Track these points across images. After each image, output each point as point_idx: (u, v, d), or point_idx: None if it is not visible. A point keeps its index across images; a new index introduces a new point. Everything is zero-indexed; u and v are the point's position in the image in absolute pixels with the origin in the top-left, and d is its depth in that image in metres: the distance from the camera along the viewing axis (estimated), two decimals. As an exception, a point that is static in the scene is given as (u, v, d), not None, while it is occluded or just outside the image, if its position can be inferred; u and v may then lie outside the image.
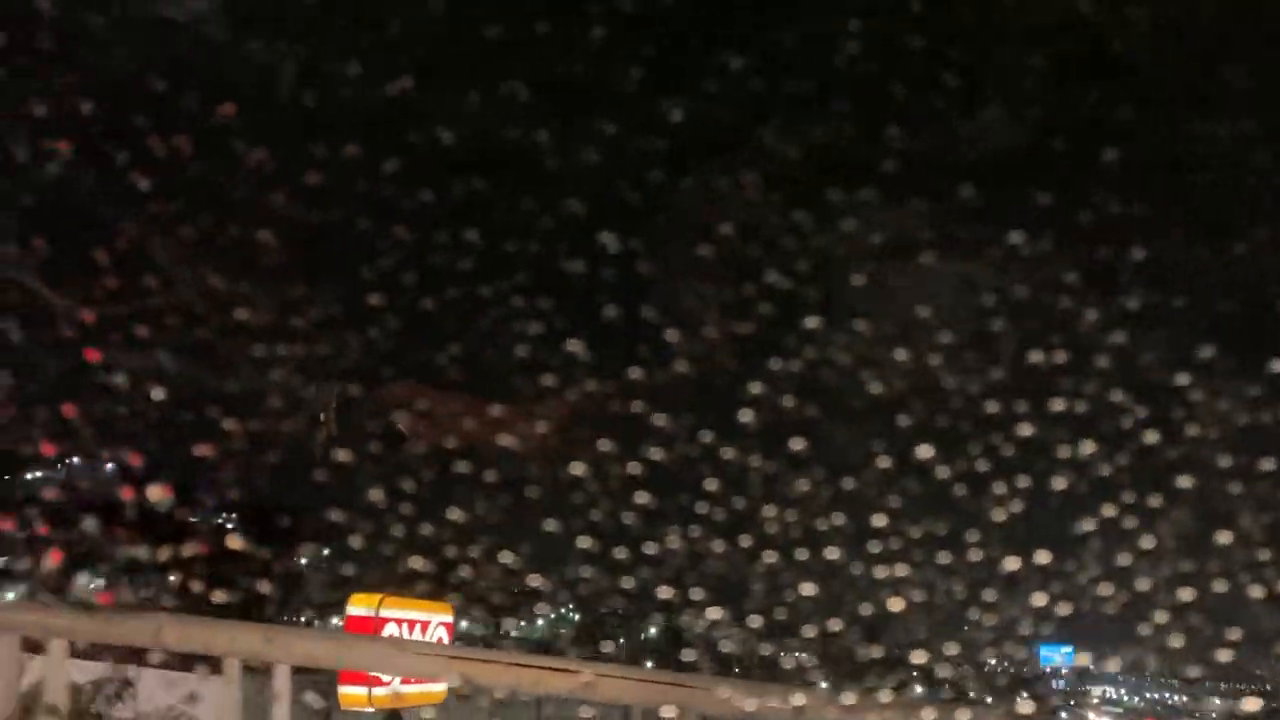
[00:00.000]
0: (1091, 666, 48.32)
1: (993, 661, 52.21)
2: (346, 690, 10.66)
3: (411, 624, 11.58)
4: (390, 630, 11.17)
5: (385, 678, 11.18)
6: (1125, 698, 47.33)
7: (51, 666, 4.50)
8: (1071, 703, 46.55)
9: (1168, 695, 44.42)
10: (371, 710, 11.04)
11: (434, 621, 12.09)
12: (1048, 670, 51.07)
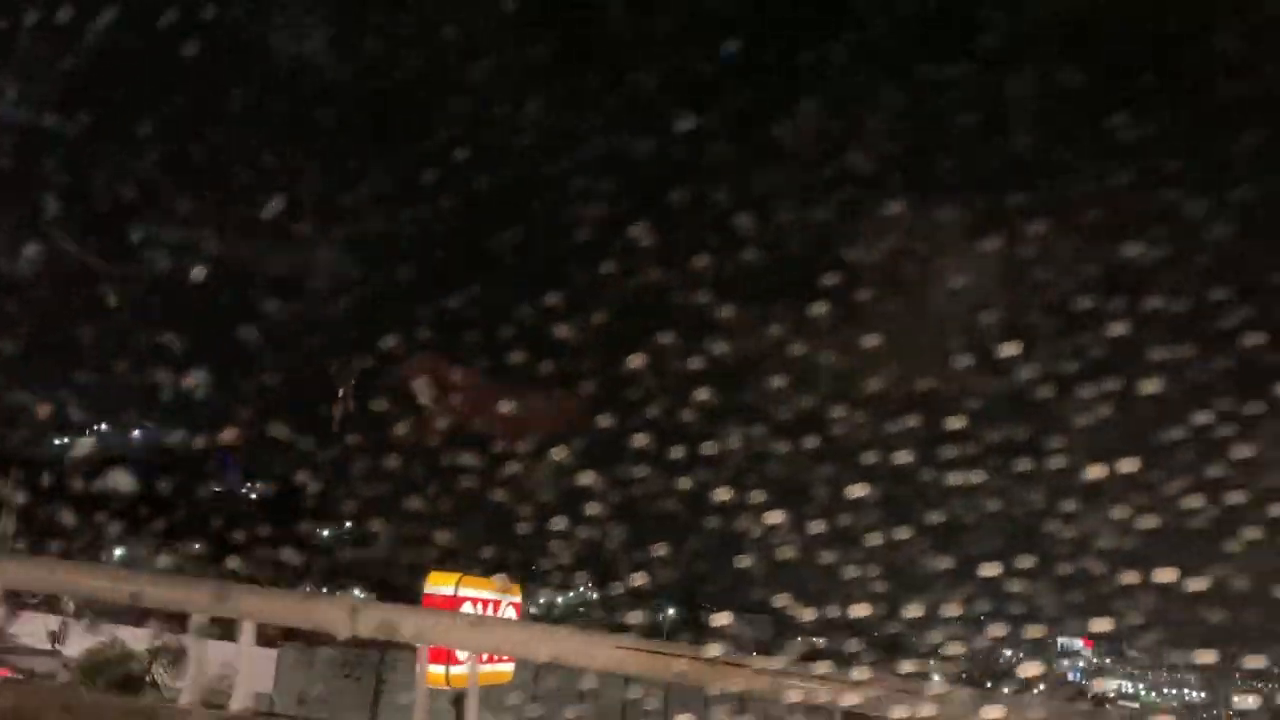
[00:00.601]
0: (1109, 661, 48.38)
1: (1008, 653, 52.21)
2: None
3: (486, 603, 11.54)
4: (466, 609, 11.12)
5: (462, 656, 11.12)
6: (1142, 692, 47.32)
7: (244, 649, 4.39)
8: (1089, 695, 46.58)
9: (1186, 692, 44.42)
10: (448, 688, 10.99)
11: (505, 601, 12.05)
12: (1064, 662, 51.10)
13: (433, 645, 5.16)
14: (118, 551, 36.89)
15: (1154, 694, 46.48)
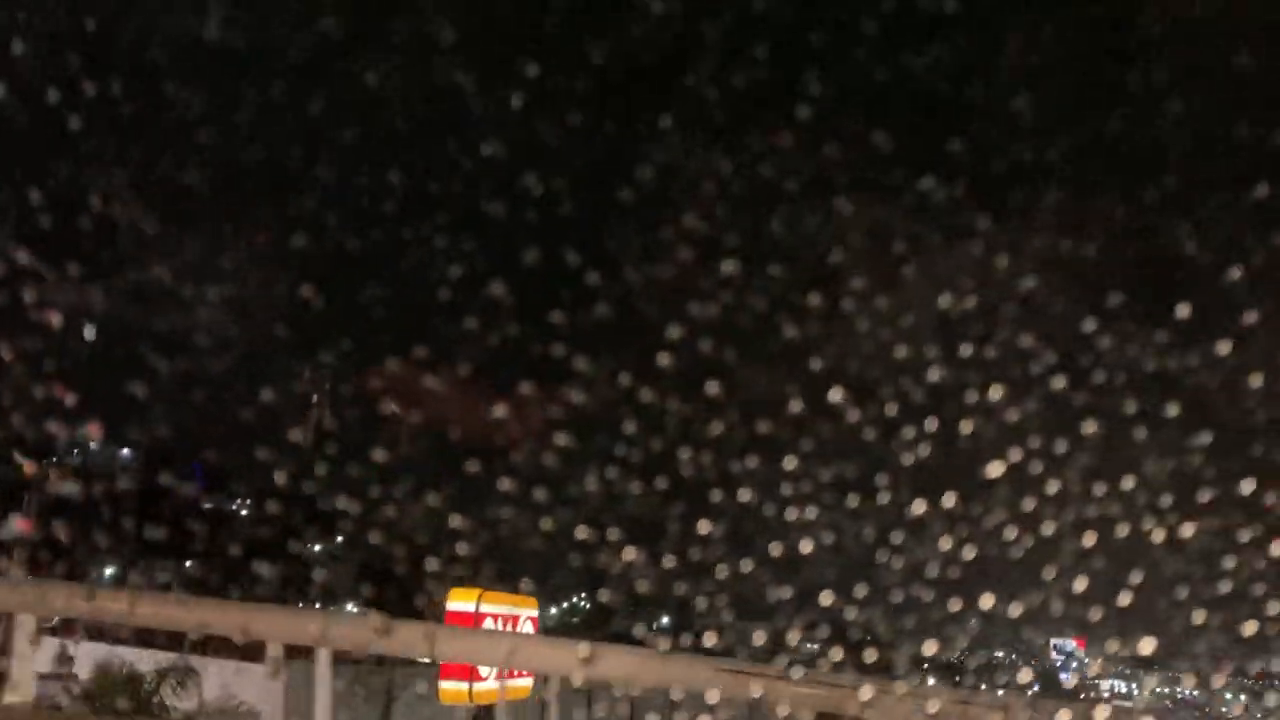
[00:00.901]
0: (1102, 660, 48.51)
1: (1000, 654, 52.30)
2: (447, 686, 10.52)
3: (505, 618, 11.46)
4: (487, 624, 11.04)
5: (484, 672, 11.03)
6: (1136, 692, 47.51)
7: (320, 671, 4.29)
8: (1082, 696, 46.74)
9: (1180, 690, 44.61)
10: (469, 704, 10.90)
11: (523, 615, 11.99)
12: (1057, 663, 51.27)
13: (516, 670, 5.07)
14: (108, 571, 36.44)
15: (1148, 692, 46.70)
